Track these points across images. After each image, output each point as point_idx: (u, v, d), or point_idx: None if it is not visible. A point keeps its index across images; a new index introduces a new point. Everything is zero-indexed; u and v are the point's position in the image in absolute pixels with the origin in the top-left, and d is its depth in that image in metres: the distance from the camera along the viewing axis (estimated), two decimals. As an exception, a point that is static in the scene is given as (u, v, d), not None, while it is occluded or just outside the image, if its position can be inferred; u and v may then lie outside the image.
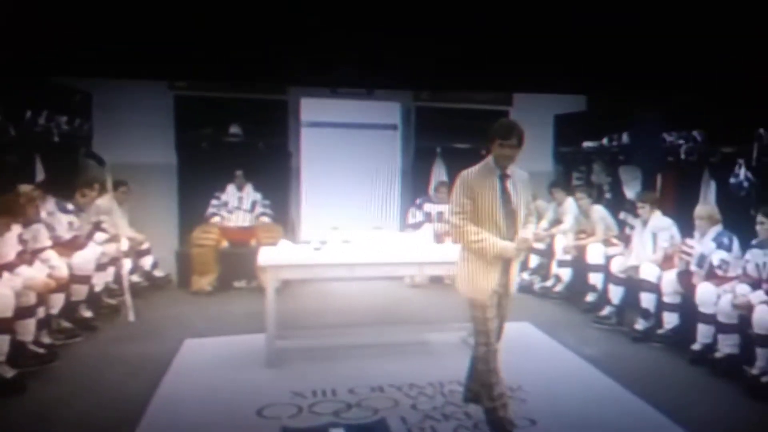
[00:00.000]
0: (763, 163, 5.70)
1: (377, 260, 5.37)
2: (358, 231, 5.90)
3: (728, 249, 5.47)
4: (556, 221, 7.80)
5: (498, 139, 3.83)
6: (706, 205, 6.10)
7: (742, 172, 5.87)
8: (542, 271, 7.75)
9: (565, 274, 7.46)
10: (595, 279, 6.90)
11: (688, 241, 5.84)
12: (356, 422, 4.12)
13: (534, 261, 7.90)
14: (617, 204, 7.70)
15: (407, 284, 8.04)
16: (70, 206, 6.42)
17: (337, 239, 5.58)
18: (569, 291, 7.41)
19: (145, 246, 7.69)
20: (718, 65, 6.63)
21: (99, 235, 6.71)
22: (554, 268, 7.61)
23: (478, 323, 3.93)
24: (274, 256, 5.31)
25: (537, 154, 8.76)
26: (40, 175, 6.58)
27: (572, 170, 9.03)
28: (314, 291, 7.54)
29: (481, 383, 4.00)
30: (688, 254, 5.70)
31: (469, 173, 3.94)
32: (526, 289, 7.50)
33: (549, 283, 7.61)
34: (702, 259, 5.54)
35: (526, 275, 7.72)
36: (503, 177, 3.90)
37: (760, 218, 5.15)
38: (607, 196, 8.20)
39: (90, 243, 6.39)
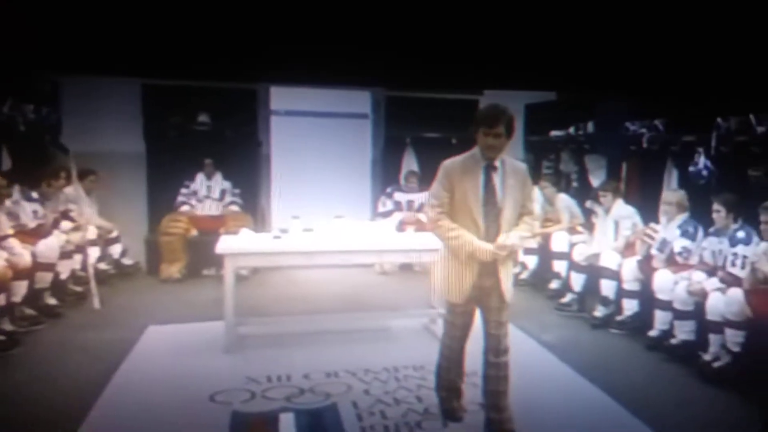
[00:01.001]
0: (721, 152, 5.74)
1: (335, 248, 5.37)
2: (319, 220, 5.91)
3: (692, 238, 5.51)
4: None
5: (482, 128, 3.45)
6: (677, 191, 6.02)
7: (702, 161, 5.89)
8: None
9: (531, 261, 7.53)
10: (560, 266, 6.97)
11: (653, 225, 5.86)
12: (307, 407, 4.13)
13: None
14: (584, 192, 7.73)
15: (377, 272, 8.10)
16: (34, 195, 6.42)
17: (299, 228, 5.60)
18: (535, 278, 7.47)
19: (113, 234, 7.68)
20: (678, 58, 6.74)
21: (64, 224, 6.72)
22: (520, 256, 7.66)
23: (447, 324, 3.89)
24: (232, 244, 5.31)
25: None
26: (6, 164, 6.57)
27: (542, 159, 9.05)
28: (283, 278, 7.57)
29: (438, 374, 4.03)
30: (651, 237, 5.74)
31: (451, 162, 3.59)
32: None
33: (515, 270, 7.63)
34: (664, 244, 5.59)
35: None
36: (489, 169, 3.54)
37: (715, 206, 5.19)
38: (575, 184, 8.24)
39: (54, 231, 6.39)
